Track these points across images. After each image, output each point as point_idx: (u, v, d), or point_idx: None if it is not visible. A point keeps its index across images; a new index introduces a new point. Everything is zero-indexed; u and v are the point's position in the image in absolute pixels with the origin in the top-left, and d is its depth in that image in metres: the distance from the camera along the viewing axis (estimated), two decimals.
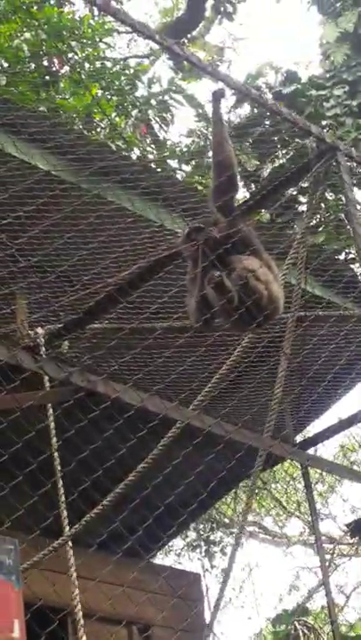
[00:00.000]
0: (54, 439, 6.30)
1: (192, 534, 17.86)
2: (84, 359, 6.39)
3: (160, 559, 16.48)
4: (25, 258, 6.04)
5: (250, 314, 5.62)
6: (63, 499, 6.18)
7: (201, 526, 17.18)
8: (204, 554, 17.69)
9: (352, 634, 15.14)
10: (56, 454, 6.24)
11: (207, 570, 17.25)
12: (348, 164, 6.70)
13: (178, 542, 18.31)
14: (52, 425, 6.34)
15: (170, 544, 17.20)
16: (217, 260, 5.62)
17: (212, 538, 18.15)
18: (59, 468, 6.24)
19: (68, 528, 6.13)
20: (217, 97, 6.11)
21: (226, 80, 6.10)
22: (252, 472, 7.08)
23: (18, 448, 4.85)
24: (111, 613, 6.84)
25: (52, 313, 6.80)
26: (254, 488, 7.94)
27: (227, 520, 18.53)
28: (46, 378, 5.99)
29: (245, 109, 16.09)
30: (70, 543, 6.24)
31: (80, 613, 5.70)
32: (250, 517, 20.05)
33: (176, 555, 18.61)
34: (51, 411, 6.40)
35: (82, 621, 5.80)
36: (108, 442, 5.19)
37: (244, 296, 5.56)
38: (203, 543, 17.77)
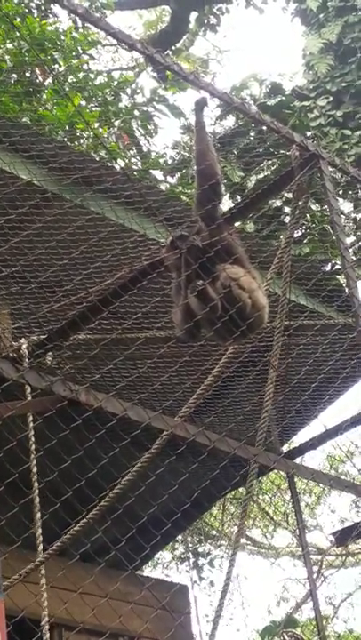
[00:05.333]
0: (33, 448, 6.25)
1: (180, 547, 17.80)
2: (67, 369, 6.35)
3: (148, 572, 16.44)
4: (6, 267, 6.01)
5: (234, 323, 5.58)
6: (38, 510, 6.14)
7: (189, 539, 17.12)
8: (192, 566, 17.62)
9: None
10: (34, 464, 6.20)
11: (195, 582, 17.19)
12: (331, 172, 6.69)
13: (166, 555, 18.26)
14: (32, 435, 6.29)
15: (157, 557, 17.15)
16: (200, 269, 5.59)
17: (200, 550, 18.10)
18: (35, 478, 6.19)
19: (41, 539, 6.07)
20: (200, 106, 6.11)
21: (208, 89, 6.08)
22: (250, 481, 7.00)
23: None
24: (96, 625, 6.78)
25: (35, 322, 6.77)
26: (247, 499, 7.85)
27: (215, 532, 18.49)
28: (28, 388, 5.95)
29: (230, 121, 16.14)
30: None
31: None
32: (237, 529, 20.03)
33: (164, 567, 18.56)
34: (30, 419, 6.34)
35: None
36: (91, 452, 5.15)
37: (228, 305, 5.52)
38: (191, 555, 17.70)
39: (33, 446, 6.32)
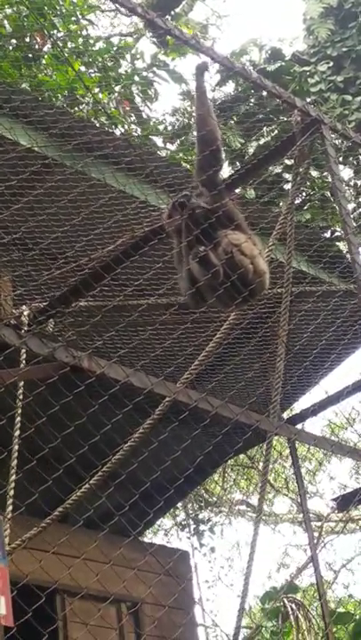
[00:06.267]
0: (18, 417, 6.24)
1: (181, 514, 17.87)
2: (69, 335, 6.34)
3: (149, 538, 16.51)
4: (8, 233, 5.99)
5: (236, 289, 5.57)
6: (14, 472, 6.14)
7: (190, 505, 17.19)
8: (193, 532, 17.70)
9: (341, 610, 15.20)
10: (18, 430, 6.19)
11: (196, 548, 17.29)
12: (333, 137, 6.65)
13: (167, 522, 18.33)
14: (18, 402, 6.27)
15: (159, 523, 17.22)
16: (202, 235, 5.57)
17: (200, 516, 18.17)
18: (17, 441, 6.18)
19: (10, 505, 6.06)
20: (200, 70, 6.07)
21: (209, 52, 6.03)
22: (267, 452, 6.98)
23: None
24: (100, 591, 6.82)
25: (36, 289, 6.76)
26: (266, 471, 7.82)
27: (215, 498, 18.56)
28: (23, 354, 5.92)
29: (230, 88, 16.03)
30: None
31: None
32: (238, 496, 20.11)
33: (165, 534, 18.63)
34: (21, 387, 6.33)
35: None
36: (94, 418, 5.15)
37: (230, 270, 5.51)
38: (191, 522, 17.78)
39: (19, 411, 6.30)
